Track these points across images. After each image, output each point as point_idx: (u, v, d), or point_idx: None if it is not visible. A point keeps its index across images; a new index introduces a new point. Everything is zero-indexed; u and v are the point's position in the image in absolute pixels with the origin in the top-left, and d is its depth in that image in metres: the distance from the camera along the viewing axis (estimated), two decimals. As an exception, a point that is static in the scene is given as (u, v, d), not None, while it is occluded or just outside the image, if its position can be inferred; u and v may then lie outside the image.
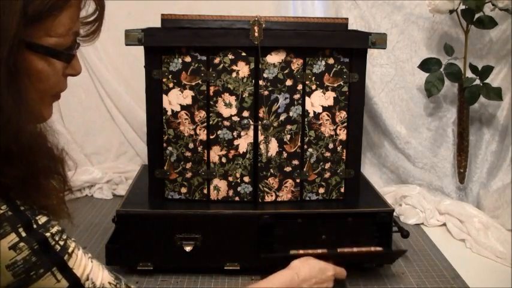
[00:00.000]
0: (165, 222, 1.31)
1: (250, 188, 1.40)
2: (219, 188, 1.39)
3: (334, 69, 1.35)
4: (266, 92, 1.34)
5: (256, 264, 1.32)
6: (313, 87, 1.35)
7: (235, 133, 1.36)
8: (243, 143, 1.37)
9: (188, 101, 1.34)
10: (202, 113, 1.35)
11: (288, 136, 1.37)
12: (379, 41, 1.34)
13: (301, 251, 1.25)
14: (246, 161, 1.38)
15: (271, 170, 1.39)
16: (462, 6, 1.71)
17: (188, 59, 1.32)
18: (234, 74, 1.33)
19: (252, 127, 1.36)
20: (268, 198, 1.41)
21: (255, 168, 1.38)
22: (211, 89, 1.34)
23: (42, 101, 0.69)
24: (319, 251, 1.24)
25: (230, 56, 1.32)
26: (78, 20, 0.69)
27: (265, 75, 1.33)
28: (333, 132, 1.39)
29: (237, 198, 1.40)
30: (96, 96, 2.02)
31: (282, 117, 1.36)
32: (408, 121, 1.93)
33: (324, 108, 1.37)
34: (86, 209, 1.80)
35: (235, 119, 1.35)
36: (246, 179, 1.39)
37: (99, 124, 2.05)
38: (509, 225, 1.58)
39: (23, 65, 0.63)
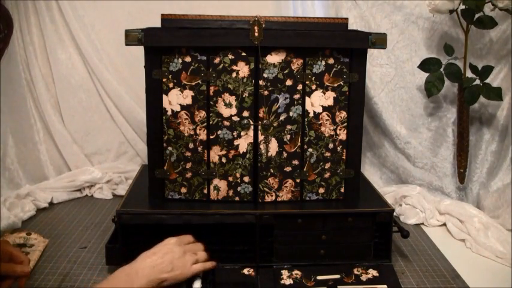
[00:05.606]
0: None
1: (250, 188, 1.40)
2: (219, 188, 1.40)
3: (334, 69, 1.35)
4: (266, 92, 1.34)
5: (256, 264, 1.32)
6: (313, 87, 1.35)
7: (235, 133, 1.36)
8: (243, 143, 1.37)
9: (188, 101, 1.34)
10: (202, 113, 1.35)
11: (288, 136, 1.37)
12: (379, 41, 1.34)
13: None
14: (246, 161, 1.38)
15: (271, 170, 1.39)
16: (462, 6, 1.71)
17: (188, 59, 1.32)
18: (234, 74, 1.33)
19: (252, 127, 1.36)
20: (268, 198, 1.40)
21: (255, 168, 1.38)
22: (211, 89, 1.34)
23: None
24: None
25: (230, 56, 1.32)
26: None
27: (265, 75, 1.33)
28: (333, 132, 1.39)
29: (237, 198, 1.40)
30: (96, 97, 2.02)
31: (282, 117, 1.36)
32: (408, 121, 1.93)
33: (324, 108, 1.37)
34: (86, 209, 1.80)
35: (235, 119, 1.35)
36: (246, 179, 1.39)
37: (99, 124, 2.05)
38: (509, 225, 1.58)
39: None
